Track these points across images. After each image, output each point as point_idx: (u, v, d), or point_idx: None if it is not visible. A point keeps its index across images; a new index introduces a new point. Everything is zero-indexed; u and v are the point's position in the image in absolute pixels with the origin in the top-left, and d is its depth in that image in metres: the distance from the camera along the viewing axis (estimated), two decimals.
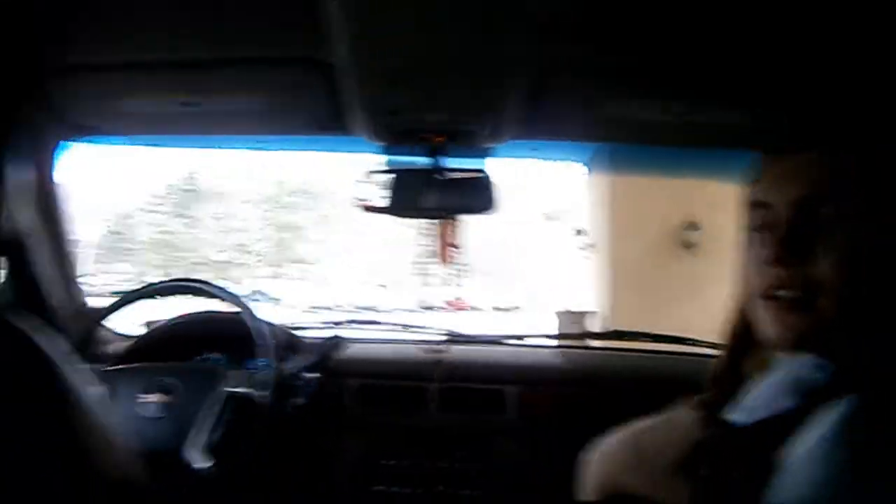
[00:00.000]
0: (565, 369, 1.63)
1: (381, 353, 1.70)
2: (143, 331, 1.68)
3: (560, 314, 8.95)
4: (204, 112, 1.24)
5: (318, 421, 1.51)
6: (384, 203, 1.42)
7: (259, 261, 24.88)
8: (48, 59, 1.09)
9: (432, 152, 1.39)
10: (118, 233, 24.91)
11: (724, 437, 0.60)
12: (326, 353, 1.45)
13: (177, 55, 1.10)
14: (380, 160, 1.51)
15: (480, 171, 1.41)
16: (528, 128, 1.25)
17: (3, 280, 1.39)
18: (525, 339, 1.94)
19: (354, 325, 1.92)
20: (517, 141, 1.36)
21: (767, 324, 0.69)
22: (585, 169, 2.40)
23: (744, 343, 0.76)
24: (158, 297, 1.47)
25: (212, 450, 1.25)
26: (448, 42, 0.94)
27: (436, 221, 1.50)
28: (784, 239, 0.66)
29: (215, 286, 1.44)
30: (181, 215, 24.83)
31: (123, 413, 1.33)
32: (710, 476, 0.57)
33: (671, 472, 0.58)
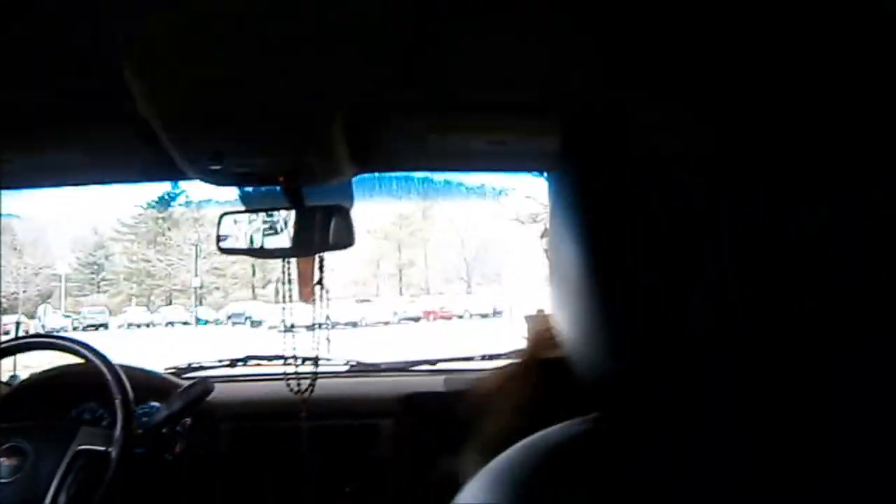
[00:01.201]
0: (444, 395, 1.60)
1: (252, 392, 1.67)
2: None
3: (529, 318, 8.96)
4: (25, 167, 1.22)
5: (194, 467, 1.48)
6: (240, 244, 1.41)
7: (235, 283, 24.64)
8: None
9: (287, 191, 1.37)
10: (92, 264, 24.64)
11: None
12: (192, 398, 1.42)
13: None
14: (237, 200, 1.49)
15: (338, 207, 1.39)
16: (362, 163, 1.24)
17: None
18: (437, 363, 1.92)
19: (255, 362, 1.89)
20: (360, 175, 1.34)
21: None
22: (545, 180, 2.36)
23: None
24: (9, 355, 1.43)
25: None
26: (248, 90, 0.93)
27: (293, 260, 1.48)
28: None
29: (67, 339, 1.41)
30: (155, 242, 24.56)
31: None
32: None
33: None
